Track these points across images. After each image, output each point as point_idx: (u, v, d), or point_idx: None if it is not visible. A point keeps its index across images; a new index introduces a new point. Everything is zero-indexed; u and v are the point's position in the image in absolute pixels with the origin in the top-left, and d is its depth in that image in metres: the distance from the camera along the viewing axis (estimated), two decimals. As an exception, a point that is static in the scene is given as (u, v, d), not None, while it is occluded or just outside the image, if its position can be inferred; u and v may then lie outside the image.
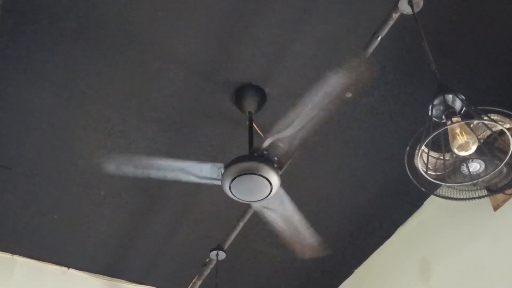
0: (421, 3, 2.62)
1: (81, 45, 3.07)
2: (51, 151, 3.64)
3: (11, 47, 3.06)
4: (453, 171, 2.82)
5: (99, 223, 4.21)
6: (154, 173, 2.97)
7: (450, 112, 2.37)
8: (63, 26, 2.98)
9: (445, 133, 2.46)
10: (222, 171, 2.87)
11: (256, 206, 3.13)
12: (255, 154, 2.87)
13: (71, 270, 4.57)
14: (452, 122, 2.36)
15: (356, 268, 4.77)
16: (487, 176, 2.78)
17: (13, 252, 4.38)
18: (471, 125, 2.51)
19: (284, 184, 2.97)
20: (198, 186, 3.80)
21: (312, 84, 2.52)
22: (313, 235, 3.35)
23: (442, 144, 2.51)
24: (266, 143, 2.82)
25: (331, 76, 2.53)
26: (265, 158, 2.85)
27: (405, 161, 2.81)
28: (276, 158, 2.88)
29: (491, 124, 2.57)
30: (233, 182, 2.85)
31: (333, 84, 2.54)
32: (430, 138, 2.37)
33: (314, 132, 2.83)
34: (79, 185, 3.88)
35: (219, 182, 2.92)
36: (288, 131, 2.75)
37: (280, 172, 2.95)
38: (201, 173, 2.93)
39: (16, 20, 2.94)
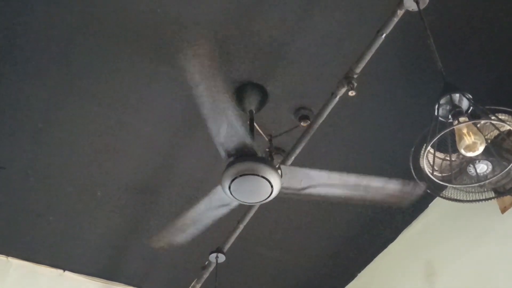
0: (427, 0, 2.56)
1: (77, 43, 3.04)
2: (47, 151, 3.61)
3: (6, 45, 3.02)
4: (459, 172, 2.79)
5: (95, 224, 4.20)
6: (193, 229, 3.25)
7: (456, 111, 2.33)
8: (59, 24, 2.94)
9: (452, 133, 2.43)
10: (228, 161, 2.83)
11: (287, 193, 3.00)
12: (254, 154, 2.81)
13: (67, 273, 4.56)
14: (459, 122, 2.32)
15: (359, 271, 4.75)
16: (495, 177, 2.74)
17: (7, 254, 4.37)
18: (478, 125, 2.46)
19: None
20: (197, 187, 3.80)
21: (321, 86, 2.46)
22: (393, 182, 3.06)
23: (448, 144, 2.45)
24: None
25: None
26: (267, 159, 2.81)
27: (410, 162, 2.77)
28: (279, 161, 2.85)
29: (499, 124, 2.51)
30: (233, 182, 2.80)
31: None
32: (436, 138, 2.33)
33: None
34: (75, 186, 3.85)
35: (224, 154, 2.86)
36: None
37: (281, 174, 2.90)
38: (212, 203, 3.07)
39: (11, 17, 2.90)
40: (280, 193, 2.90)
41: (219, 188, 2.88)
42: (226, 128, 2.69)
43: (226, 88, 2.55)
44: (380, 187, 3.04)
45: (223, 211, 3.05)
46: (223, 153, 2.82)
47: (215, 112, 2.61)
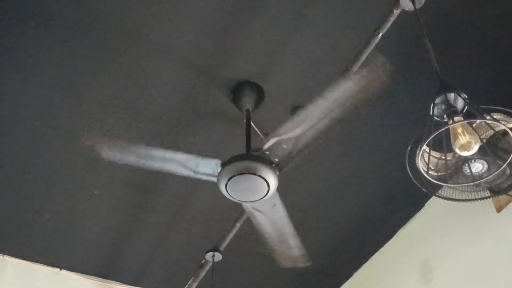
0: (423, -1, 2.57)
1: (75, 42, 3.03)
2: (44, 149, 3.60)
3: (3, 44, 3.01)
4: (455, 171, 2.78)
5: (92, 223, 4.18)
6: (150, 164, 2.88)
7: (451, 111, 2.33)
8: (56, 23, 2.94)
9: (447, 132, 2.42)
10: (219, 169, 2.82)
11: (246, 206, 3.06)
12: (256, 154, 2.82)
13: (64, 271, 4.55)
14: (453, 122, 2.32)
15: (355, 270, 4.74)
16: (490, 176, 2.73)
17: (4, 252, 4.36)
18: (474, 125, 2.46)
19: (282, 185, 2.93)
20: (194, 185, 3.81)
21: (318, 85, 2.47)
22: (298, 245, 3.31)
23: (443, 144, 2.45)
24: (269, 143, 2.77)
25: (342, 83, 2.48)
26: (263, 158, 2.80)
27: (406, 161, 2.77)
28: (277, 160, 2.83)
29: (494, 123, 2.51)
30: (230, 181, 2.80)
31: (343, 91, 2.50)
32: (431, 137, 2.33)
33: (318, 137, 2.78)
34: (72, 184, 3.84)
35: (215, 179, 2.86)
36: (294, 132, 2.70)
37: (279, 174, 2.90)
38: (197, 168, 2.88)
39: (8, 16, 2.89)
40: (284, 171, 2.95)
41: (213, 161, 2.86)
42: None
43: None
44: (290, 246, 3.26)
45: (198, 176, 2.94)
46: (211, 179, 2.89)
47: None
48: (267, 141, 2.78)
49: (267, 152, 2.80)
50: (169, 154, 2.86)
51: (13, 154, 3.61)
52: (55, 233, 4.23)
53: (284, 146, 2.78)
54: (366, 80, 2.45)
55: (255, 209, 3.06)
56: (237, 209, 3.55)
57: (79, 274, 4.60)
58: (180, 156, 2.86)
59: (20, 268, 4.38)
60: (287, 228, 3.18)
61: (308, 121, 2.65)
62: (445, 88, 2.36)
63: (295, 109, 3.37)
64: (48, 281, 4.45)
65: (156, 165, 2.89)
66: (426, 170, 2.62)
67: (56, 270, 4.52)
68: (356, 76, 2.46)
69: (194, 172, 2.89)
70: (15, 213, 4.03)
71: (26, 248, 4.34)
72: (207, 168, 2.86)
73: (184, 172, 2.90)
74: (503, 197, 3.37)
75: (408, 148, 2.79)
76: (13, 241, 4.27)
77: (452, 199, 2.94)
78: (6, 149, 3.58)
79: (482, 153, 2.58)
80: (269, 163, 2.80)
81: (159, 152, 2.86)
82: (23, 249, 4.35)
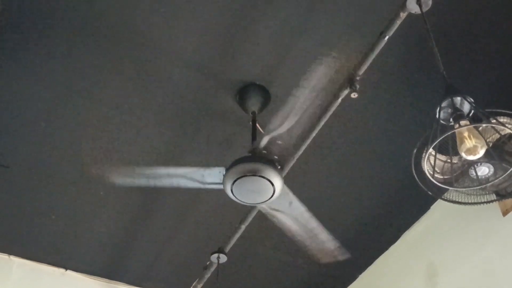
0: (430, 2, 2.56)
1: (81, 42, 3.04)
2: (50, 150, 3.60)
3: (9, 44, 3.02)
4: (461, 174, 2.78)
5: (97, 223, 4.19)
6: (159, 183, 2.99)
7: (458, 115, 2.33)
8: (62, 23, 2.94)
9: (453, 136, 2.41)
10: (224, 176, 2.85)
11: (263, 208, 3.07)
12: (255, 155, 2.83)
13: (69, 272, 4.55)
14: (460, 126, 2.31)
15: (360, 273, 4.74)
16: (496, 180, 2.72)
17: (10, 252, 4.36)
18: (480, 128, 2.45)
19: (287, 187, 2.92)
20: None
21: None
22: (330, 238, 3.33)
23: (449, 147, 2.45)
24: (264, 141, 2.78)
25: (315, 68, 2.48)
26: (267, 159, 2.81)
27: (412, 164, 2.76)
28: (276, 157, 2.84)
29: (500, 127, 2.50)
30: (235, 184, 2.82)
31: (318, 76, 2.52)
32: (437, 141, 2.32)
33: (310, 128, 2.83)
34: (78, 184, 3.85)
35: (221, 186, 2.90)
36: (284, 126, 2.73)
37: (284, 174, 2.91)
38: (204, 178, 2.93)
39: (14, 16, 2.89)
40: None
41: (217, 169, 2.89)
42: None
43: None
44: (322, 241, 3.31)
45: (206, 187, 3.00)
46: (218, 187, 2.93)
47: None
48: (261, 140, 2.81)
49: (264, 151, 2.81)
50: (173, 170, 2.95)
51: (19, 155, 3.62)
52: (61, 234, 4.24)
53: (279, 142, 2.81)
54: (339, 64, 2.49)
55: (273, 209, 3.07)
56: (242, 211, 3.55)
57: (85, 275, 4.60)
58: (185, 170, 2.93)
59: (26, 268, 4.38)
60: (313, 223, 3.20)
61: (294, 113, 2.67)
62: (451, 92, 2.35)
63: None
64: (54, 281, 4.46)
65: (165, 182, 2.97)
66: (432, 173, 2.61)
67: (62, 270, 4.52)
68: (328, 59, 2.49)
69: (202, 183, 2.95)
70: (21, 213, 4.04)
71: (32, 248, 4.34)
72: (212, 177, 2.90)
73: (192, 184, 2.96)
74: (509, 201, 3.36)
75: (414, 151, 2.78)
76: (19, 242, 4.28)
77: (458, 203, 2.93)
78: (12, 150, 3.58)
79: (488, 156, 2.57)
80: (273, 164, 2.80)
81: (164, 170, 2.97)
82: (29, 250, 4.35)
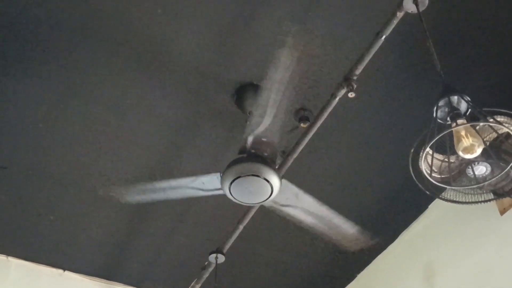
0: (427, 2, 2.56)
1: (79, 44, 3.03)
2: (48, 151, 3.60)
3: (7, 44, 3.01)
4: (458, 174, 2.78)
5: (96, 224, 4.18)
6: (165, 195, 3.07)
7: (455, 114, 2.33)
8: (61, 23, 2.94)
9: (450, 135, 2.42)
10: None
11: (271, 206, 3.07)
12: (244, 155, 2.83)
13: (67, 273, 4.54)
14: (457, 124, 2.31)
15: (358, 273, 4.73)
16: (494, 179, 2.73)
17: (8, 253, 4.35)
18: (477, 127, 2.45)
19: (288, 181, 2.95)
20: (197, 188, 3.80)
21: (322, 87, 2.53)
22: (352, 225, 3.26)
23: (447, 146, 2.45)
24: (249, 142, 2.79)
25: (279, 58, 2.52)
26: (263, 158, 2.81)
27: (410, 163, 2.76)
28: (266, 154, 2.84)
29: (497, 126, 2.51)
30: (233, 184, 2.81)
31: (283, 66, 2.53)
32: (434, 140, 2.33)
33: (288, 119, 2.90)
34: (76, 185, 3.84)
35: (221, 192, 2.92)
36: (264, 124, 2.72)
37: (282, 173, 2.91)
38: (203, 186, 2.95)
39: (13, 17, 2.89)
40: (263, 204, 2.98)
41: (215, 175, 2.90)
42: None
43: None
44: (339, 225, 3.19)
45: (207, 194, 3.03)
46: (218, 193, 2.94)
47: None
48: (246, 141, 2.81)
49: (253, 151, 2.81)
50: (174, 182, 2.99)
51: (17, 155, 3.61)
52: (59, 235, 4.23)
53: (263, 139, 2.80)
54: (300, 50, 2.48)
55: (282, 205, 3.07)
56: (240, 211, 3.54)
57: (83, 275, 4.59)
58: (184, 181, 2.96)
59: (24, 269, 4.37)
60: (325, 211, 3.16)
61: (269, 108, 2.66)
62: (448, 91, 2.36)
63: (298, 111, 3.37)
64: (52, 282, 4.45)
65: (170, 194, 3.05)
66: (429, 172, 2.62)
67: (60, 271, 4.51)
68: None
69: (203, 190, 2.98)
70: (19, 214, 4.03)
71: (30, 249, 4.33)
72: (211, 184, 2.91)
73: (193, 193, 2.99)
74: (506, 200, 3.36)
75: (412, 150, 2.79)
76: (17, 243, 4.27)
77: (455, 202, 2.94)
78: (10, 150, 3.58)
79: (485, 155, 2.58)
80: (268, 163, 2.81)
81: (165, 183, 3.02)
82: (27, 251, 4.34)
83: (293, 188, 3.02)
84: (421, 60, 3.12)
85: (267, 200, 2.90)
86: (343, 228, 3.27)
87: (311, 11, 2.92)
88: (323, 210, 3.16)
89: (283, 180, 2.95)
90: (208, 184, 2.93)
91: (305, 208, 3.13)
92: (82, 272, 4.59)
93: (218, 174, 2.87)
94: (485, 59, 3.18)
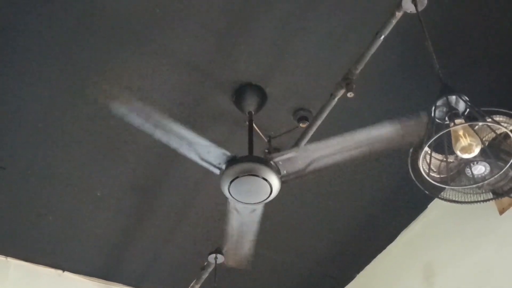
0: (425, 2, 2.57)
1: (78, 43, 3.03)
2: (47, 151, 3.60)
3: (6, 44, 3.01)
4: (457, 173, 2.78)
5: (95, 225, 4.18)
6: (159, 134, 2.77)
7: (453, 113, 2.33)
8: (60, 23, 2.94)
9: (448, 135, 2.41)
10: (224, 167, 2.78)
11: (231, 204, 3.01)
12: (269, 155, 2.82)
13: (66, 273, 4.55)
14: (455, 124, 2.31)
15: (358, 272, 4.74)
16: (492, 178, 2.72)
17: (7, 254, 4.36)
18: (475, 127, 2.45)
19: (284, 187, 2.91)
20: (197, 187, 3.80)
21: (320, 87, 2.44)
22: (249, 249, 3.33)
23: (445, 146, 2.45)
24: (287, 155, 2.78)
25: (386, 126, 2.55)
26: (266, 160, 2.79)
27: (409, 163, 2.76)
28: (285, 172, 2.82)
29: (495, 126, 2.51)
30: (232, 183, 2.79)
31: (384, 135, 2.57)
32: (432, 140, 2.33)
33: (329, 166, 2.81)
34: (75, 185, 3.84)
35: (217, 171, 2.82)
36: (315, 153, 2.75)
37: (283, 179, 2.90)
38: (204, 154, 2.79)
39: (11, 15, 2.89)
40: (284, 184, 2.87)
41: (224, 152, 2.79)
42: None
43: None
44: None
45: (202, 163, 2.85)
46: (214, 170, 2.83)
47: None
48: (286, 152, 2.79)
49: (280, 163, 2.78)
50: (183, 131, 2.72)
51: (16, 155, 3.60)
52: (58, 235, 4.23)
53: (299, 162, 2.78)
54: (406, 131, 2.52)
55: (236, 209, 3.04)
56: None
57: (82, 276, 4.60)
58: (192, 137, 2.74)
59: (23, 269, 4.37)
60: (251, 234, 3.19)
61: (333, 148, 2.71)
62: (446, 91, 2.36)
63: (297, 111, 3.37)
64: (51, 282, 4.45)
65: (166, 138, 2.77)
66: (428, 172, 2.61)
67: (59, 271, 4.52)
68: (400, 125, 2.54)
69: (200, 157, 2.81)
70: (18, 214, 4.03)
71: (29, 249, 4.33)
72: (213, 157, 2.78)
73: (190, 154, 2.81)
74: (505, 199, 3.35)
75: (411, 150, 2.79)
76: (16, 243, 4.27)
77: (454, 201, 2.93)
78: (9, 150, 3.57)
79: (484, 155, 2.58)
80: (271, 164, 2.79)
81: (174, 126, 2.71)
82: (26, 251, 4.35)
83: (297, 149, 2.93)
84: (419, 60, 3.12)
85: (267, 200, 2.89)
86: (241, 250, 3.34)
87: (310, 11, 2.92)
88: (250, 233, 3.18)
89: (284, 152, 2.86)
90: (209, 155, 2.78)
91: (245, 222, 3.11)
92: (81, 273, 4.60)
93: (225, 151, 2.75)
94: (483, 59, 3.19)
